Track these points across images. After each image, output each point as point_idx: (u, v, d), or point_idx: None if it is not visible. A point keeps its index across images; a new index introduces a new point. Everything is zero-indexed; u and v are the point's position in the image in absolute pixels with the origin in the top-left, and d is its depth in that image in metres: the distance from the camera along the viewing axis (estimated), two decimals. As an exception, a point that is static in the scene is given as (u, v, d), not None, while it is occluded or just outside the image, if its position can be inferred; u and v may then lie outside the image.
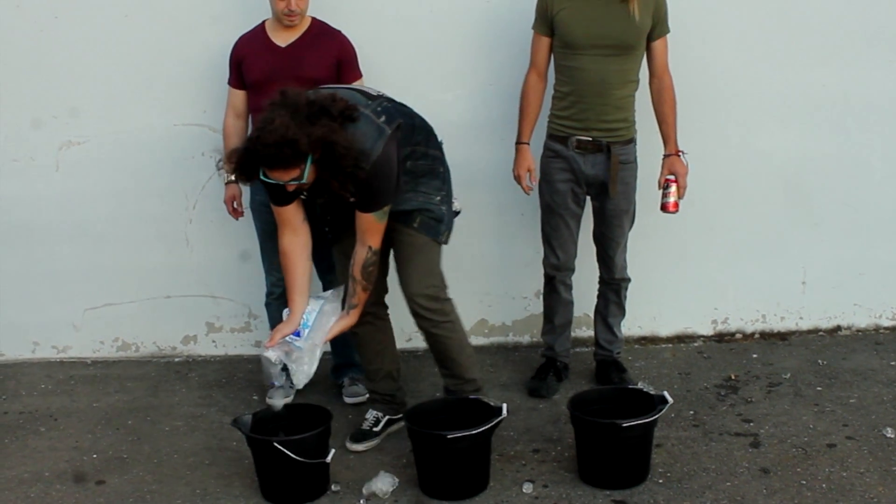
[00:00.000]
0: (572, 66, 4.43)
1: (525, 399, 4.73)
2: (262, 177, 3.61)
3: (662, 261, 5.27)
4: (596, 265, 4.81)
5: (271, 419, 3.98)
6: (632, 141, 4.56)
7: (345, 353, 4.85)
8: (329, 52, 4.54)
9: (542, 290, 4.86)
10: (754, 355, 5.16)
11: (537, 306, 4.93)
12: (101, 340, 5.44)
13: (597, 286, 4.87)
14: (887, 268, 5.40)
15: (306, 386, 4.01)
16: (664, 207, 4.59)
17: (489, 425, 3.82)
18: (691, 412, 4.51)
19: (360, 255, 3.91)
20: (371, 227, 3.87)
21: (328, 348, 4.77)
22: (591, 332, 4.96)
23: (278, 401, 4.08)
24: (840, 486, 3.81)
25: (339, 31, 4.62)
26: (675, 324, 5.43)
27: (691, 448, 4.17)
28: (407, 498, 3.88)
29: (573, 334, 5.06)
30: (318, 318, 3.95)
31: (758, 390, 4.72)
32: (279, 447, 3.73)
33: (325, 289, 4.50)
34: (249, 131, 4.16)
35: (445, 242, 4.23)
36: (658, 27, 4.46)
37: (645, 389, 4.21)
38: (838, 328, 5.45)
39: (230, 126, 4.64)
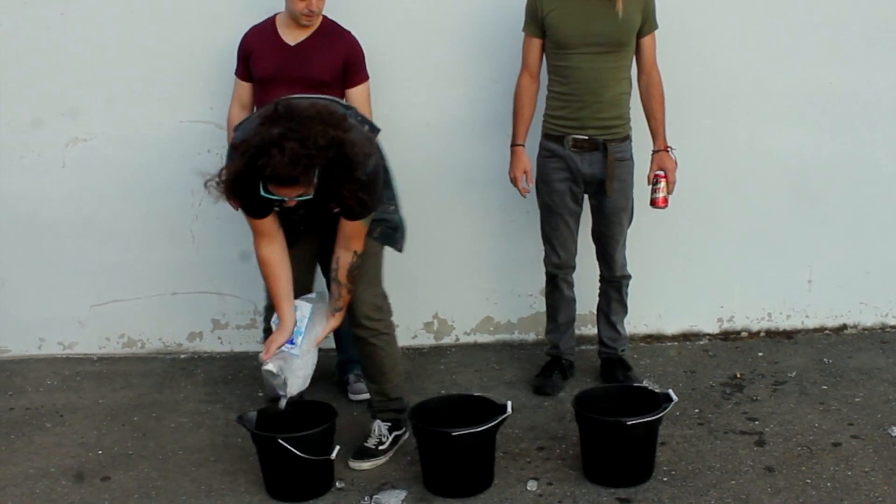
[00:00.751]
0: (566, 66, 4.44)
1: (530, 397, 4.74)
2: (263, 193, 3.55)
3: (668, 259, 5.27)
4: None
5: (276, 416, 3.98)
6: (627, 138, 4.57)
7: (350, 350, 4.84)
8: (337, 53, 4.51)
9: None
10: (760, 354, 5.15)
11: (542, 304, 4.93)
12: (107, 337, 5.44)
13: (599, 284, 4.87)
14: (894, 266, 5.39)
15: (311, 382, 4.00)
16: (654, 203, 4.60)
17: (494, 423, 3.82)
18: (696, 410, 4.51)
19: (345, 259, 3.91)
20: (358, 233, 3.89)
21: (332, 345, 4.79)
22: (595, 330, 4.96)
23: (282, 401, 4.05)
24: (845, 485, 3.81)
25: (349, 32, 4.60)
26: (680, 322, 5.42)
27: (696, 446, 4.16)
28: (412, 495, 3.88)
29: (578, 332, 5.06)
30: (310, 324, 3.95)
31: (763, 389, 4.72)
32: (284, 444, 3.73)
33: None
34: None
35: (401, 250, 4.26)
36: (647, 23, 4.47)
37: (650, 387, 4.21)
38: (844, 327, 5.44)
39: (235, 118, 4.61)
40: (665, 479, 3.91)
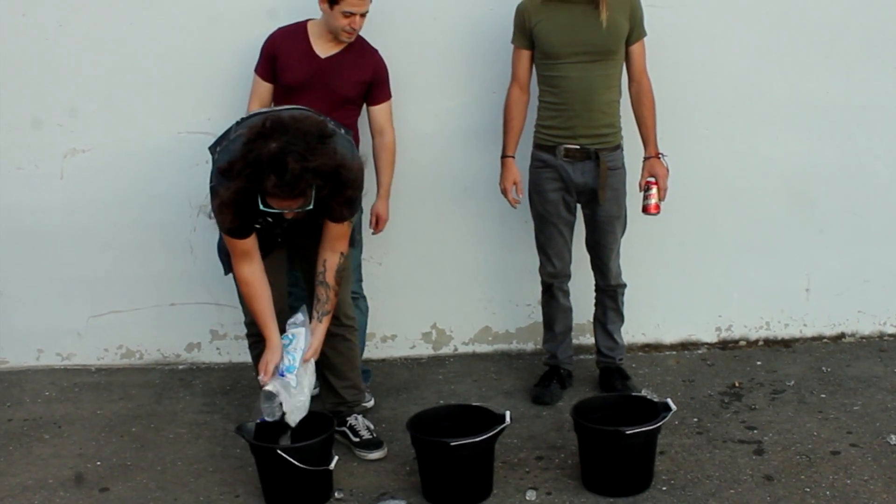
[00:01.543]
0: (556, 76, 4.46)
1: (529, 406, 4.73)
2: (262, 207, 3.55)
3: (666, 268, 5.28)
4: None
5: (275, 426, 3.97)
6: (619, 147, 4.58)
7: None
8: (365, 70, 4.54)
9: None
10: (758, 362, 5.15)
11: (540, 314, 4.93)
12: (106, 348, 5.44)
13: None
14: (892, 275, 5.39)
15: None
16: (646, 210, 4.61)
17: (492, 433, 3.82)
18: (695, 419, 4.51)
19: (332, 261, 3.94)
20: (344, 235, 3.92)
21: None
22: (593, 340, 4.96)
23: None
24: (844, 494, 3.80)
25: (377, 51, 4.61)
26: (678, 331, 5.43)
27: (695, 455, 4.16)
28: (411, 505, 3.89)
29: (576, 342, 5.07)
30: (302, 349, 3.96)
31: (762, 397, 4.72)
32: (283, 454, 3.73)
33: None
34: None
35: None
36: (635, 31, 4.49)
37: (649, 397, 4.21)
38: (842, 335, 5.44)
39: None
40: (664, 488, 3.90)
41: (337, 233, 3.90)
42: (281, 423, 3.89)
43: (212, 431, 4.62)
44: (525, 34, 4.50)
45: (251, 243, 3.85)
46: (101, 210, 5.23)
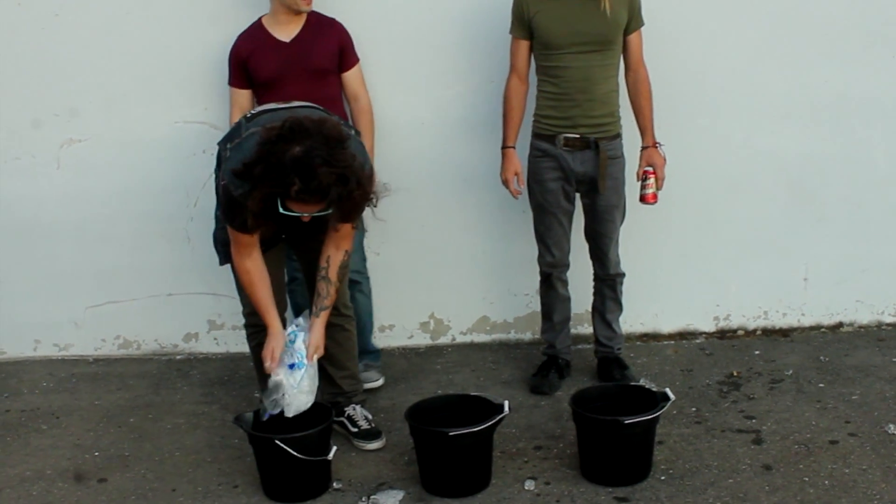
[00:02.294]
0: (555, 66, 4.46)
1: (527, 396, 4.73)
2: (282, 210, 3.50)
3: (664, 257, 5.27)
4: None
5: (273, 416, 3.97)
6: (618, 136, 4.58)
7: (359, 341, 4.90)
8: (331, 40, 4.61)
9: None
10: (756, 352, 5.15)
11: (538, 303, 4.92)
12: (103, 338, 5.44)
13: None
14: (890, 264, 5.38)
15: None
16: (643, 199, 4.62)
17: (491, 422, 3.81)
18: (693, 409, 4.51)
19: (336, 258, 3.94)
20: (349, 234, 3.93)
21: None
22: (591, 329, 4.96)
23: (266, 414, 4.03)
24: (842, 483, 3.80)
25: (335, 19, 4.68)
26: (677, 320, 5.42)
27: (693, 445, 4.16)
28: (409, 495, 3.87)
29: (574, 331, 5.07)
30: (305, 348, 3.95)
31: (760, 387, 4.72)
32: (281, 445, 3.73)
33: None
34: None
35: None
36: (633, 21, 4.49)
37: (647, 386, 4.21)
38: (840, 325, 5.44)
39: None
40: (663, 477, 3.90)
41: (343, 232, 3.89)
42: (280, 415, 3.89)
43: (210, 422, 4.62)
44: (524, 24, 4.49)
45: (252, 238, 3.83)
46: (98, 200, 5.23)
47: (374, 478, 4.02)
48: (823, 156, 5.22)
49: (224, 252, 4.03)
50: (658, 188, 4.61)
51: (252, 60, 4.59)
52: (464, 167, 5.17)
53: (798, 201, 5.27)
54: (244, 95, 4.69)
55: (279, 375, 3.85)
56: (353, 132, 3.87)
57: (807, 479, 3.85)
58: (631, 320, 5.21)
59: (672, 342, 5.35)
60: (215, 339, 5.43)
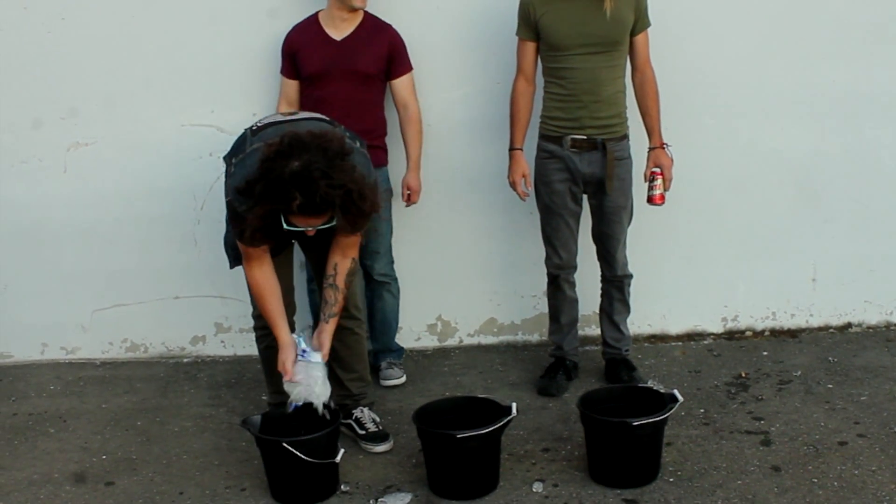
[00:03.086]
0: (562, 68, 4.45)
1: (535, 398, 4.72)
2: (286, 226, 3.51)
3: (672, 258, 5.27)
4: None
5: (281, 419, 3.97)
6: (625, 137, 4.58)
7: (383, 339, 5.00)
8: (381, 46, 4.66)
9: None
10: (765, 353, 5.14)
11: (546, 305, 4.92)
12: (110, 341, 5.44)
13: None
14: (898, 264, 5.38)
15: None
16: (650, 200, 4.61)
17: (499, 424, 3.80)
18: (702, 410, 4.49)
19: (343, 265, 3.94)
20: (354, 243, 3.92)
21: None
22: (599, 331, 4.94)
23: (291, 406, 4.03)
24: (852, 484, 3.79)
25: (390, 25, 4.73)
26: (684, 322, 5.41)
27: (702, 446, 4.15)
28: (417, 498, 3.87)
29: (581, 333, 5.06)
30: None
31: (768, 388, 4.71)
32: (288, 448, 3.72)
33: None
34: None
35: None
36: (639, 21, 4.49)
37: (655, 388, 4.20)
38: (849, 325, 5.43)
39: None
40: (671, 479, 3.90)
41: (349, 241, 3.89)
42: (289, 416, 3.88)
43: (217, 425, 4.62)
44: (530, 26, 4.49)
45: (263, 249, 3.83)
46: (105, 203, 5.23)
47: (381, 480, 4.02)
48: (831, 155, 5.21)
49: (234, 255, 4.03)
50: (666, 189, 4.60)
51: (301, 54, 4.66)
52: (470, 169, 5.16)
53: (806, 201, 5.26)
54: (292, 86, 4.77)
55: (298, 377, 3.85)
56: (357, 144, 3.84)
57: (816, 480, 3.84)
58: (638, 321, 5.20)
59: (680, 343, 5.34)
60: (222, 342, 5.43)
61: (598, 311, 4.93)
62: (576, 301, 4.82)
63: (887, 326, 5.42)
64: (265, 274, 3.90)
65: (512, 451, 4.16)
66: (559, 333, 4.85)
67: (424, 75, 5.00)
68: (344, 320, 4.11)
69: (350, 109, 4.53)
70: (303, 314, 4.82)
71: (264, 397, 4.71)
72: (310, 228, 3.56)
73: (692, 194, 5.04)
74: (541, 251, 4.75)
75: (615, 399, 4.05)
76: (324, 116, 4.01)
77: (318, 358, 3.89)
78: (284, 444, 3.73)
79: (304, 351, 3.88)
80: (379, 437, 4.28)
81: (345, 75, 4.60)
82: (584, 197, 4.65)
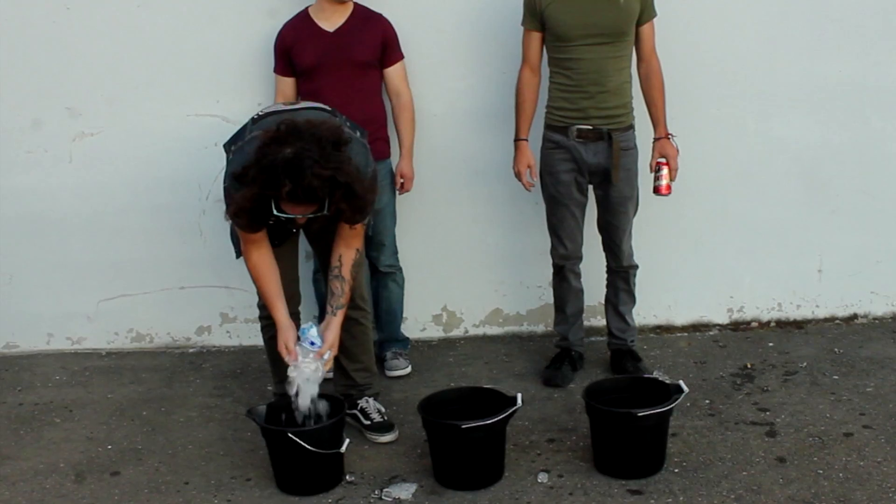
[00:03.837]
0: (567, 58, 4.45)
1: (540, 389, 4.72)
2: (276, 212, 3.52)
3: (677, 249, 5.26)
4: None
5: (286, 409, 3.97)
6: (631, 127, 4.57)
7: (388, 329, 5.01)
8: (374, 34, 4.67)
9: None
10: (770, 344, 5.13)
11: (551, 295, 4.91)
12: (116, 332, 5.45)
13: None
14: (905, 256, 5.37)
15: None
16: (657, 190, 4.60)
17: (504, 415, 3.80)
18: (707, 401, 4.49)
19: (348, 256, 3.95)
20: (358, 234, 3.92)
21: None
22: (604, 322, 4.94)
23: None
24: (857, 475, 3.79)
25: (381, 14, 4.74)
26: (690, 312, 5.41)
27: (707, 437, 4.15)
28: (422, 488, 3.87)
29: (587, 323, 5.06)
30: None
31: (774, 379, 4.70)
32: (294, 438, 3.72)
33: None
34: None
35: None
36: (645, 12, 4.48)
37: (660, 378, 4.19)
38: (855, 316, 5.42)
39: None
40: (676, 470, 3.89)
41: (352, 232, 3.89)
42: (294, 406, 3.89)
43: (222, 415, 4.63)
44: (536, 16, 4.48)
45: (261, 234, 3.85)
46: (111, 194, 5.23)
47: (386, 471, 4.02)
48: (837, 146, 5.19)
49: (238, 245, 4.04)
50: (671, 179, 4.59)
51: (295, 48, 4.67)
52: (476, 159, 5.16)
53: (812, 192, 5.25)
54: (288, 83, 4.76)
55: (305, 356, 3.86)
56: (357, 134, 3.86)
57: (821, 471, 3.83)
58: (644, 312, 5.19)
59: (685, 334, 5.33)
60: (228, 332, 5.44)
61: (603, 301, 4.92)
62: (581, 292, 4.82)
63: (893, 318, 5.41)
64: (262, 257, 3.91)
65: (517, 442, 4.16)
66: (564, 324, 4.85)
67: (430, 65, 5.00)
68: (350, 311, 4.11)
69: (349, 99, 4.53)
70: (310, 307, 4.82)
71: (269, 387, 4.71)
72: (300, 216, 3.57)
73: (698, 185, 5.03)
74: (546, 242, 4.74)
75: (620, 390, 4.05)
76: (325, 106, 4.01)
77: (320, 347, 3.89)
78: (290, 435, 3.73)
79: (311, 343, 3.88)
80: (384, 427, 4.28)
81: (340, 65, 4.60)
82: (590, 187, 4.64)
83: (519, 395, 3.89)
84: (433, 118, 5.03)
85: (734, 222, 5.26)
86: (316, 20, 4.67)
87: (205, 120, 5.10)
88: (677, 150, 4.59)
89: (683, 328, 5.39)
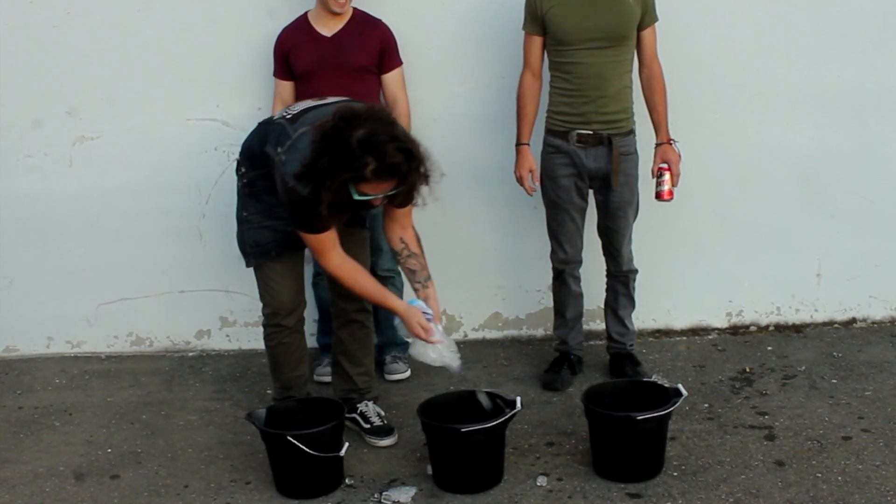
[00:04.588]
0: (568, 62, 4.45)
1: (539, 392, 4.72)
2: (357, 196, 3.55)
3: (677, 253, 5.26)
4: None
5: (285, 413, 3.98)
6: (631, 132, 4.57)
7: (388, 333, 4.98)
8: (373, 40, 4.67)
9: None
10: (769, 348, 5.14)
11: (550, 299, 4.92)
12: (115, 335, 5.45)
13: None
14: (903, 260, 5.37)
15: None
16: (659, 196, 4.60)
17: (503, 419, 3.81)
18: (706, 405, 4.50)
19: (410, 234, 4.04)
20: (409, 212, 3.98)
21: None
22: (604, 325, 4.94)
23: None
24: (856, 479, 3.79)
25: (381, 20, 4.74)
26: (689, 316, 5.41)
27: (706, 441, 4.15)
28: (421, 492, 3.87)
29: (586, 327, 5.06)
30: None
31: (773, 383, 4.71)
32: (293, 441, 3.73)
33: None
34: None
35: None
36: (647, 16, 4.48)
37: (659, 382, 4.21)
38: (853, 320, 5.42)
39: None
40: (675, 473, 3.90)
41: (404, 212, 3.95)
42: (292, 408, 3.89)
43: (222, 418, 4.63)
44: (537, 21, 4.48)
45: (333, 234, 3.82)
46: (111, 198, 5.24)
47: (386, 474, 4.02)
48: (836, 150, 5.20)
49: (254, 254, 4.05)
50: (674, 185, 4.59)
51: (293, 53, 4.67)
52: (476, 164, 5.16)
53: (811, 196, 5.25)
54: (286, 87, 4.76)
55: (437, 336, 3.91)
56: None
57: (819, 475, 3.84)
58: (643, 316, 5.19)
59: (684, 338, 5.33)
60: (227, 335, 5.44)
61: (602, 305, 4.93)
62: (581, 296, 4.82)
63: (892, 322, 5.41)
64: (345, 258, 3.88)
65: (516, 446, 4.16)
66: (564, 328, 4.85)
67: (430, 70, 5.00)
68: (356, 314, 4.13)
69: None
70: (310, 309, 4.81)
71: (269, 391, 4.72)
72: (379, 196, 3.60)
73: (697, 189, 5.03)
74: (546, 246, 4.75)
75: (619, 393, 4.05)
76: (349, 99, 4.02)
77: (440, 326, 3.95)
78: (289, 438, 3.74)
79: (424, 313, 3.93)
80: (384, 430, 4.29)
81: (338, 70, 4.60)
82: (590, 192, 4.65)
83: (518, 399, 3.90)
84: (433, 122, 5.03)
85: (733, 226, 5.27)
86: (314, 25, 4.68)
87: (205, 124, 5.11)
88: (679, 156, 4.59)
89: (682, 332, 5.39)
